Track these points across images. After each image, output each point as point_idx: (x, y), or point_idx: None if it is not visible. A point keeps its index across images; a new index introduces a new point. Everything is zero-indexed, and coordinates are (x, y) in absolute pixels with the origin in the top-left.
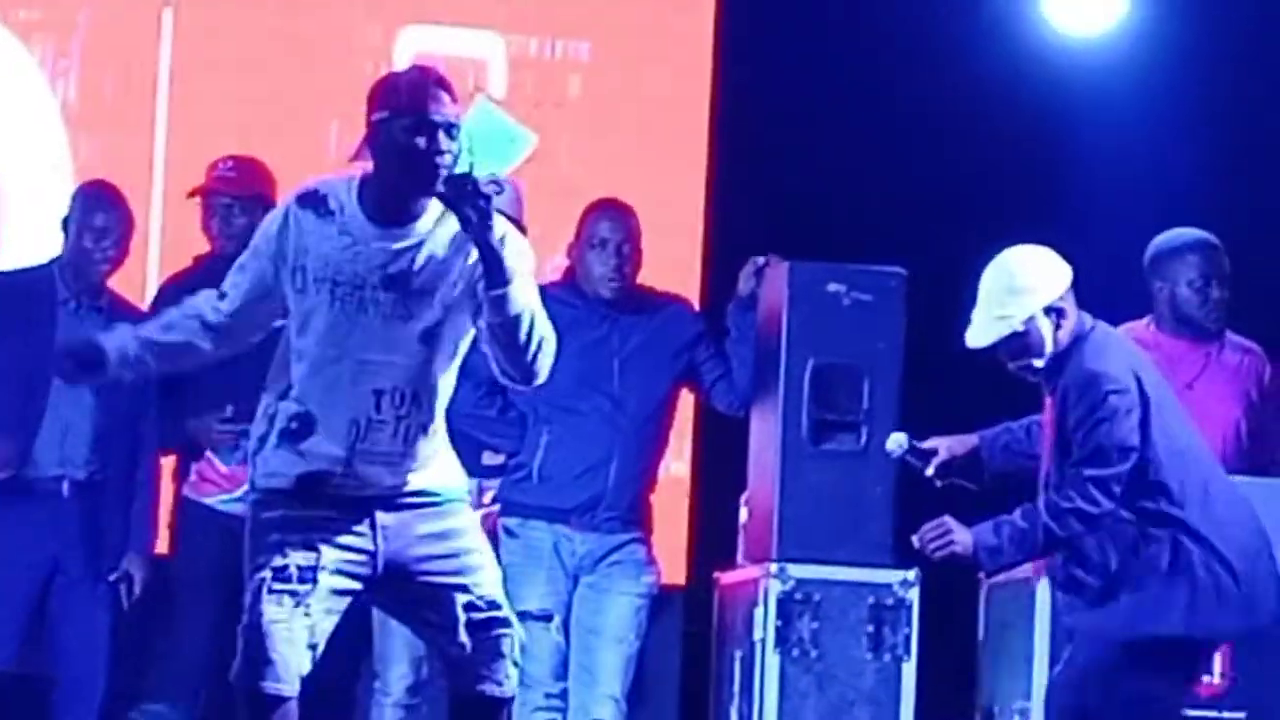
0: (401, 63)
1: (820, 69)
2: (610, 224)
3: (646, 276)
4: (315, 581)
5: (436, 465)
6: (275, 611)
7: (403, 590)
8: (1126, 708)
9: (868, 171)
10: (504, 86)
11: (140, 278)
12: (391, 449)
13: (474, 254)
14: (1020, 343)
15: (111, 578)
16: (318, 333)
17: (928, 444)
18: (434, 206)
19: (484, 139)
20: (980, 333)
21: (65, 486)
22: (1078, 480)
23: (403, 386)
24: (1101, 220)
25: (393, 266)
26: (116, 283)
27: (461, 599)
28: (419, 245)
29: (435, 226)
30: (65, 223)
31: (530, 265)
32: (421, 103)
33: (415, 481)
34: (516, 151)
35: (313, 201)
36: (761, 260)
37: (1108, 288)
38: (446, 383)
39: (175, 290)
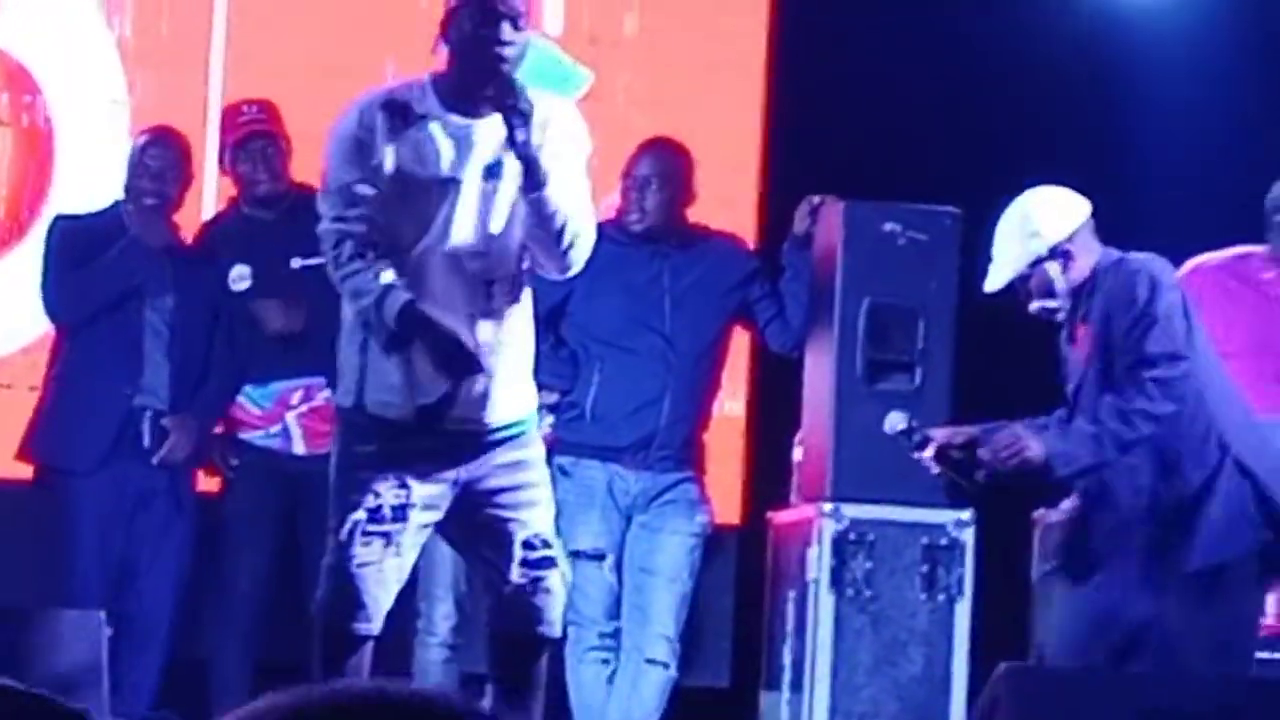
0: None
1: (880, 8)
2: (642, 161)
3: (701, 214)
4: (407, 520)
5: (523, 384)
6: (368, 554)
7: (468, 519)
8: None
9: (924, 111)
10: (560, 24)
11: (196, 216)
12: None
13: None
14: (1029, 285)
15: (145, 424)
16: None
17: (928, 430)
18: None
19: (539, 77)
20: (991, 278)
21: (146, 415)
22: (1138, 382)
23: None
24: (1157, 165)
25: (480, 155)
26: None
27: (520, 535)
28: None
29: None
30: (128, 168)
31: (580, 148)
32: None
33: (503, 409)
34: (572, 89)
35: (394, 107)
36: (817, 199)
37: (1166, 228)
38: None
39: (218, 233)
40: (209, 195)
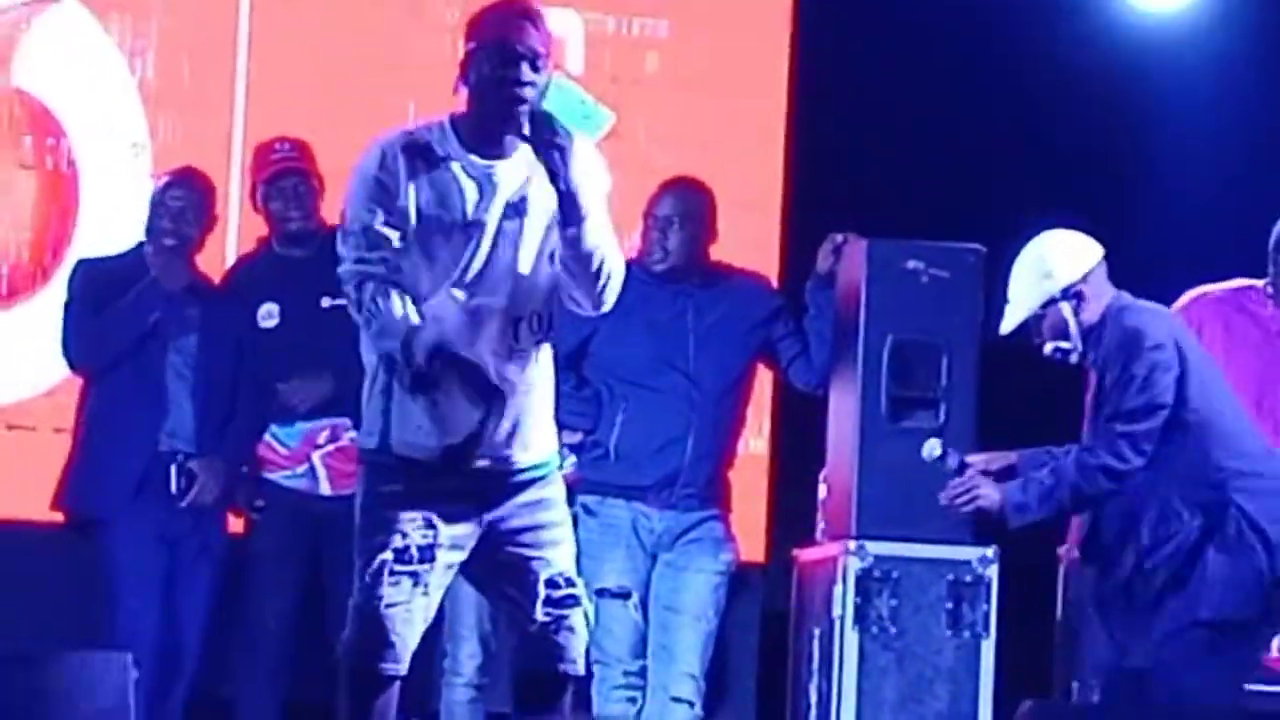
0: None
1: (899, 46)
2: (665, 201)
3: (724, 253)
4: (434, 560)
5: (545, 426)
6: (395, 594)
7: (490, 558)
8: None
9: (946, 149)
10: (581, 64)
11: (220, 257)
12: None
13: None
14: (1042, 327)
15: (174, 464)
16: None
17: (967, 457)
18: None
19: (561, 116)
20: (1006, 319)
21: (177, 460)
22: (1109, 436)
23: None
24: (1178, 198)
25: (502, 195)
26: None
27: (544, 574)
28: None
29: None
30: (150, 209)
31: (606, 188)
32: (504, 33)
33: (531, 450)
34: (594, 129)
35: (415, 149)
36: (840, 238)
37: (1185, 260)
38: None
39: (246, 272)
40: (232, 237)
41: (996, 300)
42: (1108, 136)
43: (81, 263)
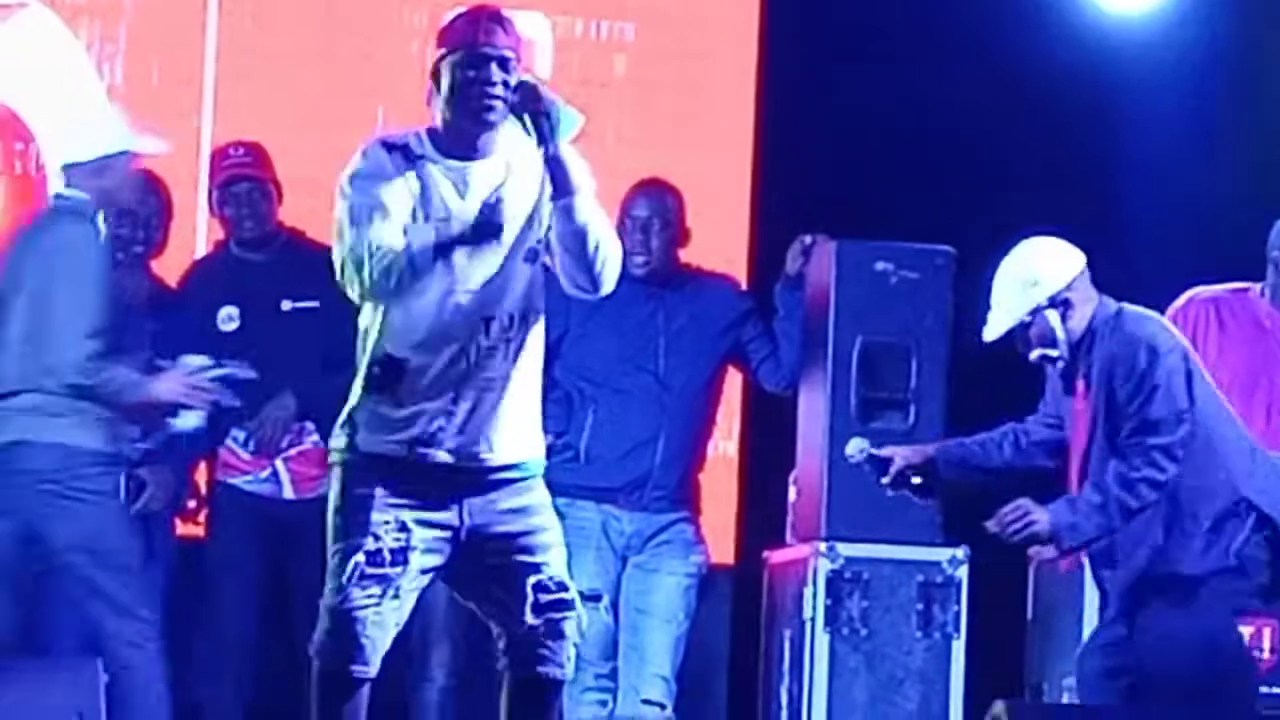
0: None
1: (868, 48)
2: (640, 202)
3: (693, 256)
4: (407, 563)
5: (527, 426)
6: (366, 596)
7: (476, 565)
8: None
9: (913, 150)
10: (549, 67)
11: (188, 261)
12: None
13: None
14: (1029, 334)
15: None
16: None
17: (884, 452)
18: (501, 142)
19: None
20: (991, 326)
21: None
22: (1142, 450)
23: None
24: (1146, 201)
25: (478, 195)
26: (166, 267)
27: (532, 578)
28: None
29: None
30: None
31: (593, 185)
32: (472, 36)
33: (505, 449)
34: (563, 131)
35: (393, 147)
36: (809, 239)
37: (1154, 264)
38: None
39: (205, 274)
40: (201, 241)
41: (967, 301)
42: (1080, 138)
43: None
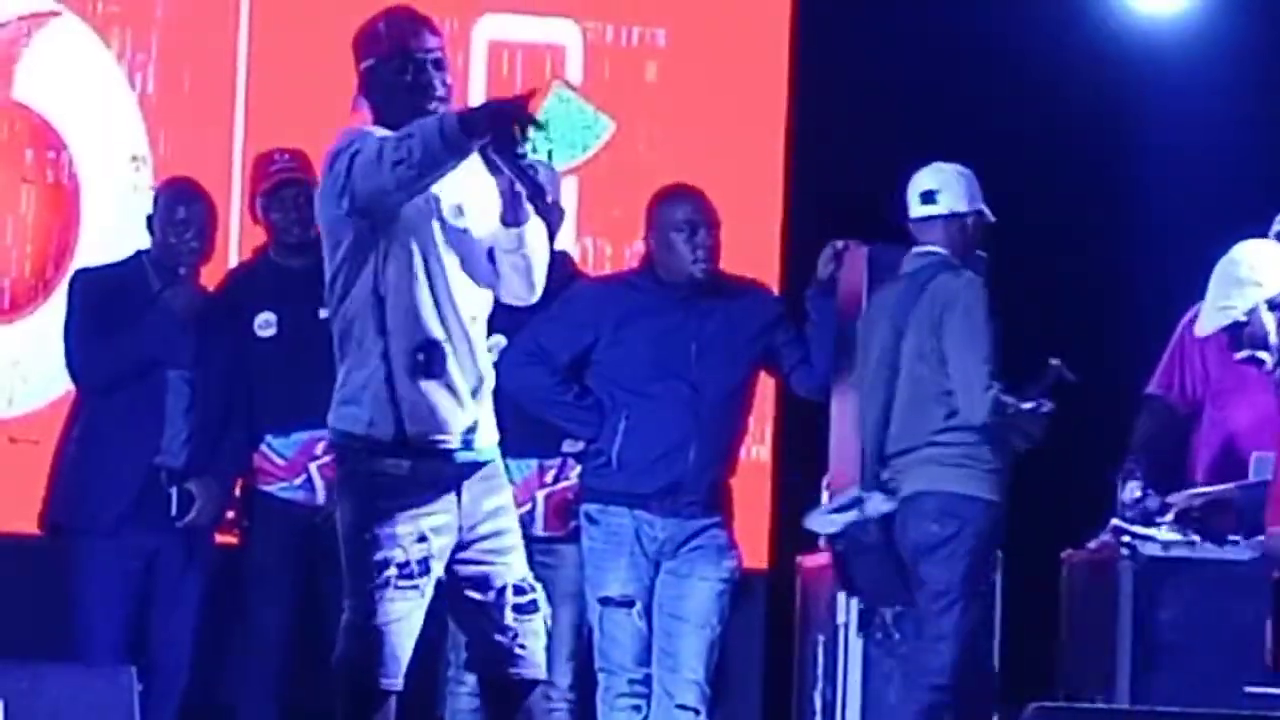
0: (479, 51)
1: (899, 52)
2: (693, 207)
3: (725, 261)
4: (430, 572)
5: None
6: (398, 609)
7: (457, 567)
8: None
9: (946, 154)
10: (581, 73)
11: (224, 268)
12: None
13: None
14: (1242, 334)
15: (172, 489)
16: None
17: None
18: None
19: (561, 125)
20: (1203, 320)
21: (163, 476)
22: None
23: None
24: (1174, 201)
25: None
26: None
27: (510, 580)
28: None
29: None
30: (150, 220)
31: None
32: (404, 40)
33: (486, 436)
34: (594, 137)
35: None
36: (840, 244)
37: (1185, 264)
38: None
39: (243, 281)
40: (234, 249)
41: (995, 306)
42: (1114, 139)
43: (79, 273)
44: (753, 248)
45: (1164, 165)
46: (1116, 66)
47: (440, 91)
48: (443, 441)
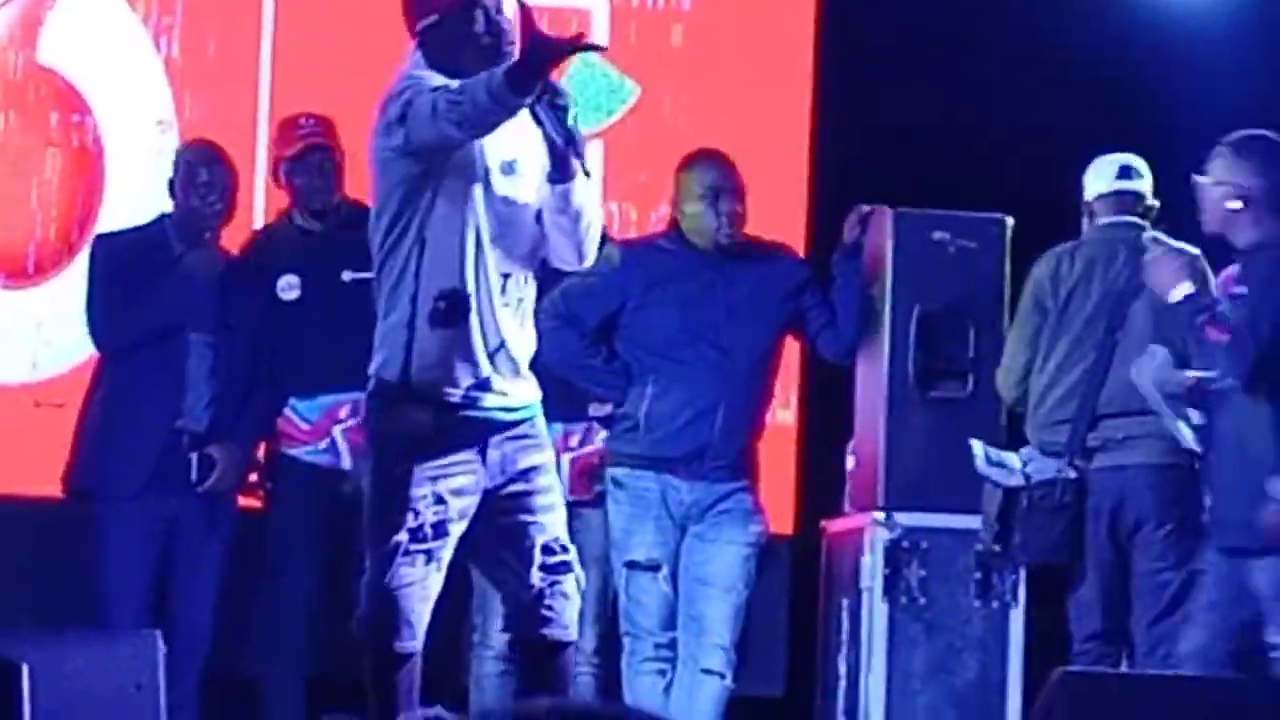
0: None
1: (926, 15)
2: (720, 174)
3: (751, 225)
4: (447, 535)
5: (529, 376)
6: (411, 573)
7: (487, 525)
8: None
9: (973, 119)
10: (606, 37)
11: (247, 231)
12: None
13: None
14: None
15: (193, 453)
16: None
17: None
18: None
19: (587, 90)
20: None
21: (184, 440)
22: None
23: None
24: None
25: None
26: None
27: (540, 539)
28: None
29: None
30: (172, 183)
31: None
32: None
33: (517, 395)
34: (619, 102)
35: None
36: (866, 209)
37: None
38: None
39: (266, 243)
40: (259, 212)
41: (1023, 269)
42: (1137, 113)
43: (100, 238)
44: (779, 212)
45: (1191, 142)
46: (1143, 41)
47: (512, 37)
48: (448, 395)
